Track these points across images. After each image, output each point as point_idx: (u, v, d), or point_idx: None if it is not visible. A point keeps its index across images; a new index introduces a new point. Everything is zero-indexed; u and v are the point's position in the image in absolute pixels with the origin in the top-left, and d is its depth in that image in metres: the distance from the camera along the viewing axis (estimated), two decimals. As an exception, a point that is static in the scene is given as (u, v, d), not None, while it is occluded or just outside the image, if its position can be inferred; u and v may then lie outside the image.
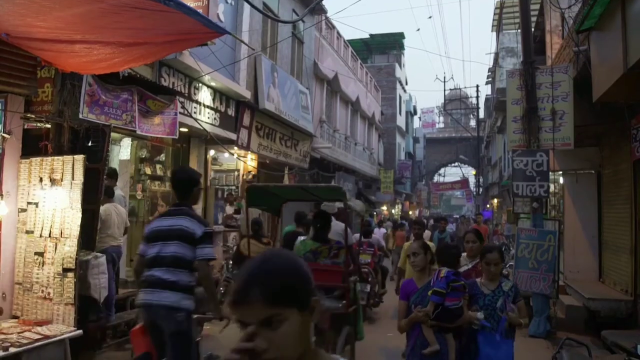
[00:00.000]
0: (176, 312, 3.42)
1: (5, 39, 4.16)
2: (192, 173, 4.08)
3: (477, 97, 32.38)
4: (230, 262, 7.44)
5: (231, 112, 10.20)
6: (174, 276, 3.45)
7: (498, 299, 3.51)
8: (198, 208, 9.75)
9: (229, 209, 10.68)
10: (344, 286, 4.67)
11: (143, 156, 8.90)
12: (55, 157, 4.96)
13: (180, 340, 3.46)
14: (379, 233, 12.11)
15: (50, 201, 4.86)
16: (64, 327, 4.55)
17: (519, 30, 8.29)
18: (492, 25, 25.46)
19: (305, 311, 1.07)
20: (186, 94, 8.51)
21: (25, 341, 4.13)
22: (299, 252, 5.17)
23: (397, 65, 31.24)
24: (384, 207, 28.64)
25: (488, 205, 31.74)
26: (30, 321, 4.64)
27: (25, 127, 5.25)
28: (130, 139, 7.75)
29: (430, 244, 5.06)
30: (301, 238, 5.85)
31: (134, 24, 3.70)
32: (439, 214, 28.22)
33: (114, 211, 6.22)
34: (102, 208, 5.74)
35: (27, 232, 4.98)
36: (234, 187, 11.55)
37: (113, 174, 6.51)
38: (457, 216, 30.03)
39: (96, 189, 5.19)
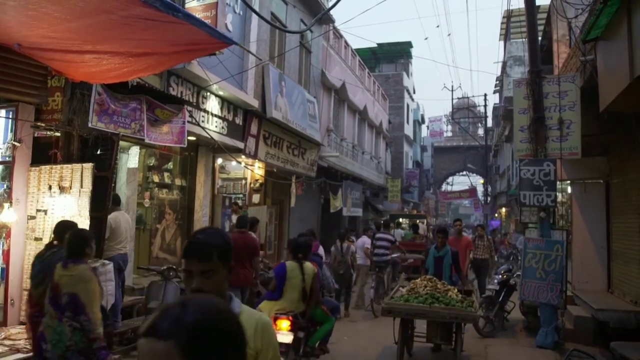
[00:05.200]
0: None
1: (17, 49, 4.24)
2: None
3: (485, 105, 32.39)
4: None
5: (239, 120, 10.27)
6: None
7: None
8: (205, 217, 9.80)
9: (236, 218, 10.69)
10: (424, 250, 10.14)
11: (151, 164, 8.97)
12: (65, 165, 5.02)
13: None
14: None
15: (59, 209, 4.92)
16: (70, 334, 4.57)
17: (526, 39, 8.30)
18: (500, 34, 25.48)
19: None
20: (194, 103, 8.59)
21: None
22: (406, 236, 14.97)
23: (404, 74, 31.26)
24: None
25: (496, 214, 31.58)
26: (38, 328, 4.67)
27: (35, 135, 5.33)
28: (138, 147, 7.82)
29: None
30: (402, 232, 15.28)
31: (143, 34, 3.76)
32: (439, 225, 21.46)
33: (123, 219, 6.27)
34: (110, 217, 5.78)
35: (36, 239, 5.04)
36: (240, 195, 11.58)
37: (116, 201, 6.25)
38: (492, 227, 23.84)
39: (104, 196, 5.24)
